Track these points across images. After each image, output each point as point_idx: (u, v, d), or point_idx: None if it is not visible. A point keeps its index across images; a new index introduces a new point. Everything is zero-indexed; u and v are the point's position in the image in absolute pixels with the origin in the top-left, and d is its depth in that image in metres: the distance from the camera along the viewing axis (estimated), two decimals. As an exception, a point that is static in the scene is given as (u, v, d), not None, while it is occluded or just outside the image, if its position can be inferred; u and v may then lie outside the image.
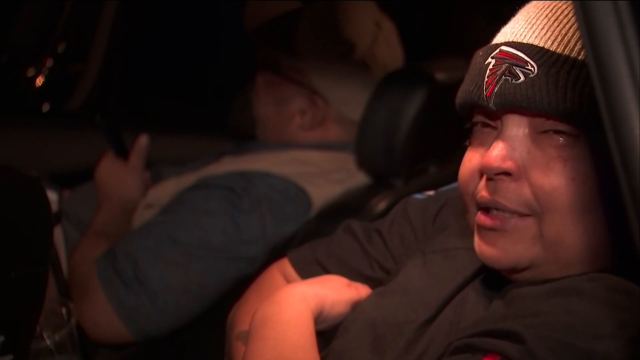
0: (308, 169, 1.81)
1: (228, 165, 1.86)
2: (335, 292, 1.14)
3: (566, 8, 0.93)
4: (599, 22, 0.60)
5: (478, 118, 0.96)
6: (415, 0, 2.96)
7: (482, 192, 0.93)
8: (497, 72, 0.91)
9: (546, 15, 0.93)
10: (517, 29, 0.93)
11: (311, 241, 1.32)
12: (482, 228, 0.95)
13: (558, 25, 0.91)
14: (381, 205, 1.73)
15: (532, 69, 0.89)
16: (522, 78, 0.89)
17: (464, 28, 2.73)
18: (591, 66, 0.61)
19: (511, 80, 0.89)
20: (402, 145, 1.78)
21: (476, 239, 0.96)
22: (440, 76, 1.79)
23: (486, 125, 0.96)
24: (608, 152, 0.61)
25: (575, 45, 0.89)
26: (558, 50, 0.89)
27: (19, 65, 2.41)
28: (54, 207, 1.53)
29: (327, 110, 1.90)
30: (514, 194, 0.91)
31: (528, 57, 0.89)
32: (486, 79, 0.92)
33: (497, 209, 0.92)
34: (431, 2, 3.02)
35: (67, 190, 2.06)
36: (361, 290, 1.16)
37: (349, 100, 1.89)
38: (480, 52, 0.96)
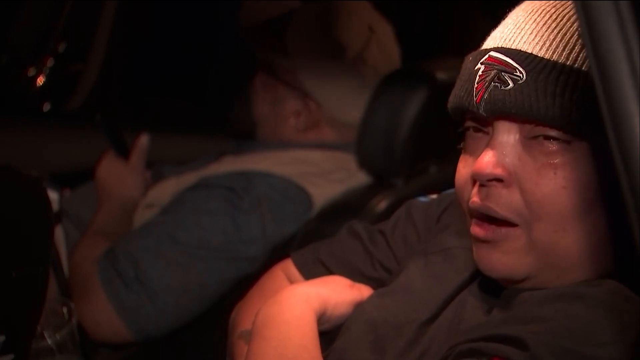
0: (308, 168, 1.81)
1: (228, 165, 1.86)
2: (338, 292, 1.13)
3: (555, 12, 0.92)
4: (599, 21, 0.60)
5: (470, 123, 0.97)
6: (415, 0, 2.96)
7: (474, 197, 0.93)
8: (486, 79, 0.91)
9: (534, 20, 0.92)
10: (506, 34, 0.93)
11: (314, 242, 1.32)
12: (477, 239, 0.95)
13: (547, 30, 0.91)
14: (381, 205, 1.73)
15: (521, 75, 0.88)
16: (511, 84, 0.89)
17: (464, 28, 2.73)
18: (592, 65, 0.62)
19: (500, 87, 0.89)
20: (402, 145, 1.78)
21: (474, 250, 0.97)
22: (440, 76, 1.79)
23: (478, 130, 0.96)
24: (601, 158, 0.61)
25: (563, 50, 0.89)
26: (546, 56, 0.89)
27: (19, 65, 2.41)
28: (55, 206, 1.53)
29: (320, 112, 1.89)
30: (505, 200, 0.91)
31: (516, 63, 0.89)
32: (476, 85, 0.92)
33: (489, 216, 0.93)
34: (431, 2, 3.03)
35: (67, 190, 2.06)
36: (364, 291, 1.16)
37: (341, 103, 1.88)
38: (470, 57, 0.97)
